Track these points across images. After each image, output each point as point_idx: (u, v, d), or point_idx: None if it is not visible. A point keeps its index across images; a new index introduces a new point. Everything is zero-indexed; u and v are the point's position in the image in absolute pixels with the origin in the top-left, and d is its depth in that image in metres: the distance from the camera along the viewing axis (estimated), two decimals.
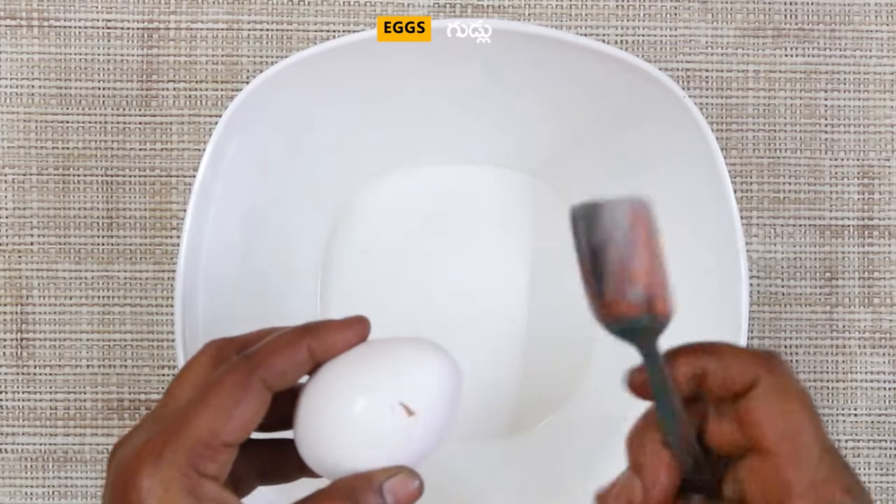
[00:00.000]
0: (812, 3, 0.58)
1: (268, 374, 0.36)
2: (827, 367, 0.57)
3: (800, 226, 0.57)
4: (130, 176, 0.57)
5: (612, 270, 0.34)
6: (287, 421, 0.38)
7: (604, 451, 0.50)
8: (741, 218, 0.48)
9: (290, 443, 0.39)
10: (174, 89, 0.57)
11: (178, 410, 0.35)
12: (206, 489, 0.34)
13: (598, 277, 0.35)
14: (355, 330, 0.38)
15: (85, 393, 0.56)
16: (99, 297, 0.56)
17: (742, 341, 0.47)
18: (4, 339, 0.56)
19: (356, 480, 0.36)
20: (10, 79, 0.57)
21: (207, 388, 0.35)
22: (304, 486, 0.38)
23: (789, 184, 0.57)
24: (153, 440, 0.34)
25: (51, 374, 0.56)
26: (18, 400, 0.56)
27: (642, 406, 0.38)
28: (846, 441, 0.57)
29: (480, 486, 0.55)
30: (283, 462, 0.40)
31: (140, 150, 0.57)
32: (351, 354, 0.38)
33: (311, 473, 0.39)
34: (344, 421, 0.37)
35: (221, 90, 0.57)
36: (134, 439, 0.35)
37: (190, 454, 0.34)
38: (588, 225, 0.35)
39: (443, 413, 0.38)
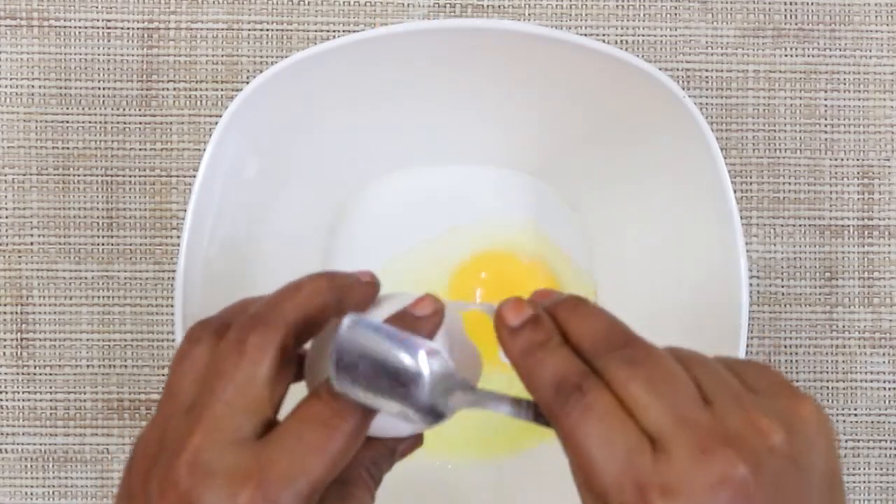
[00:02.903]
0: (812, 3, 0.58)
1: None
2: (827, 367, 0.57)
3: (800, 226, 0.57)
4: (130, 176, 0.57)
5: None
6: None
7: None
8: (741, 218, 0.48)
9: None
10: (174, 89, 0.57)
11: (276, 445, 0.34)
12: None
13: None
14: (374, 288, 0.39)
15: (85, 393, 0.56)
16: (99, 297, 0.56)
17: (742, 341, 0.47)
18: (4, 339, 0.56)
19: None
20: (10, 79, 0.57)
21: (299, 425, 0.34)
22: None
23: (789, 184, 0.57)
24: (241, 476, 0.32)
25: (51, 374, 0.56)
26: (18, 400, 0.56)
27: None
28: (846, 441, 0.57)
29: None
30: None
31: (140, 150, 0.57)
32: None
33: None
34: None
35: (221, 90, 0.57)
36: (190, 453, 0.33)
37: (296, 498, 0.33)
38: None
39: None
